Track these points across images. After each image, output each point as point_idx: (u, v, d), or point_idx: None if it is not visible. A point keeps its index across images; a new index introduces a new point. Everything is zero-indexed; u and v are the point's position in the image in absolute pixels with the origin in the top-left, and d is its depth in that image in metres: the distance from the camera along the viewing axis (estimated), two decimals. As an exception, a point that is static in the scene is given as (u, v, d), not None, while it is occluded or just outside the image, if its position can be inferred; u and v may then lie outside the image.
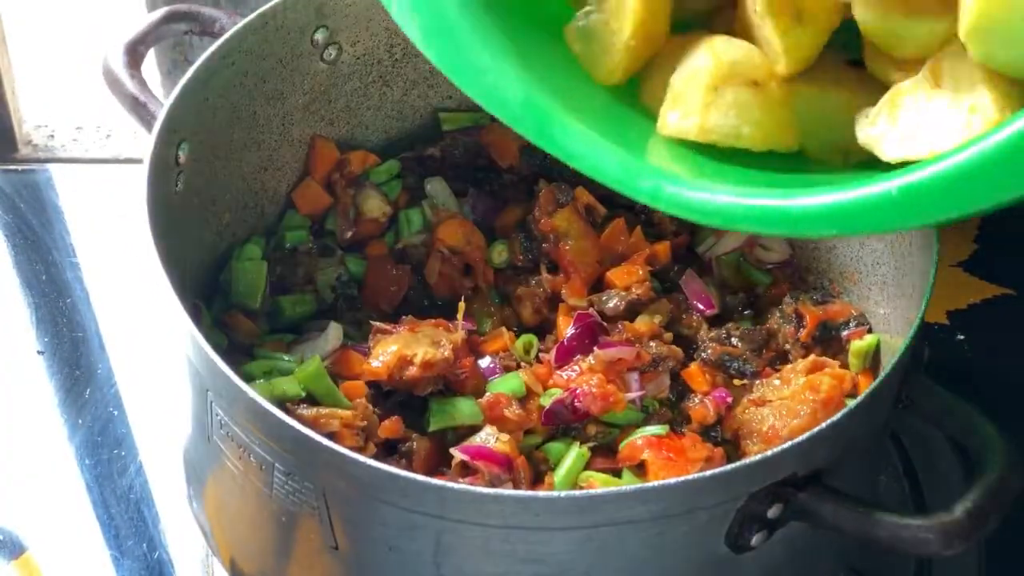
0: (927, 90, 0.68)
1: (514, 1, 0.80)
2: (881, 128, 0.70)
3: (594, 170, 0.74)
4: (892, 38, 0.71)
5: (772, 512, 0.78)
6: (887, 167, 0.69)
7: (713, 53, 0.75)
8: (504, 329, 1.00)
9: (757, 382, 0.96)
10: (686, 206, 0.71)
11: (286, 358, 0.94)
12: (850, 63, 0.77)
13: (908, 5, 0.70)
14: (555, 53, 0.81)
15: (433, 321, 0.95)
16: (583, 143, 0.75)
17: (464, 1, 0.77)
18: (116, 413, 1.16)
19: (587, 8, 0.80)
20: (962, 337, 1.19)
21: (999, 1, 0.62)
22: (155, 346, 1.19)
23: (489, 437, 0.88)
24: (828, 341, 0.98)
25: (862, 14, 0.71)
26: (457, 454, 0.87)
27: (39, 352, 1.21)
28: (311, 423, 0.84)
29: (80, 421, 1.16)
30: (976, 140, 0.61)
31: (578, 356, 0.95)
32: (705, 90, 0.74)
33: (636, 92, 0.81)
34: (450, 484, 0.76)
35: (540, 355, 0.98)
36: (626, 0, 0.77)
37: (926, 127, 0.67)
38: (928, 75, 0.69)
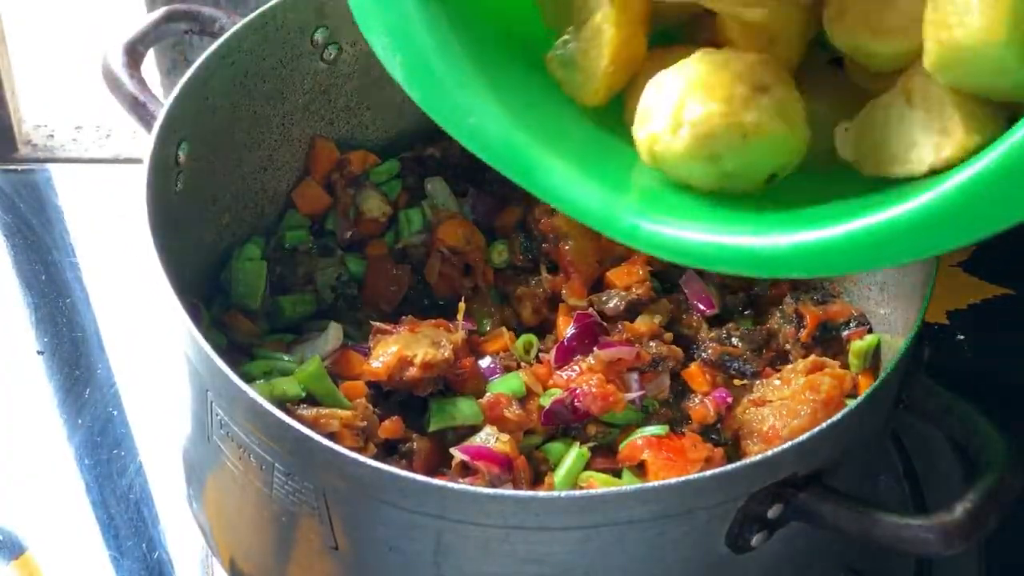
0: (901, 108, 0.69)
1: (492, 32, 0.79)
2: (858, 144, 0.71)
3: (576, 211, 0.73)
4: (863, 55, 0.72)
5: (772, 512, 0.78)
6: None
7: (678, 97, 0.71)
8: (504, 329, 1.00)
9: (757, 382, 0.95)
10: (663, 246, 0.70)
11: (286, 358, 0.94)
12: (832, 62, 0.77)
13: (875, 26, 0.70)
14: (535, 80, 0.80)
15: (433, 321, 0.95)
16: (565, 184, 0.74)
17: (441, 38, 0.76)
18: (116, 413, 1.16)
19: (564, 37, 0.79)
20: (962, 337, 1.18)
21: (953, 46, 0.63)
22: (155, 346, 1.19)
23: (489, 437, 0.88)
24: (828, 341, 0.98)
25: (832, 34, 0.72)
26: (457, 454, 0.87)
27: (39, 352, 1.21)
28: (311, 423, 0.84)
29: (80, 421, 1.16)
30: (942, 178, 0.62)
31: (578, 356, 0.94)
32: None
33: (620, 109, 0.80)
34: (450, 484, 0.76)
35: (540, 355, 0.98)
36: (602, 29, 0.76)
37: (900, 146, 0.68)
38: (901, 92, 0.69)
